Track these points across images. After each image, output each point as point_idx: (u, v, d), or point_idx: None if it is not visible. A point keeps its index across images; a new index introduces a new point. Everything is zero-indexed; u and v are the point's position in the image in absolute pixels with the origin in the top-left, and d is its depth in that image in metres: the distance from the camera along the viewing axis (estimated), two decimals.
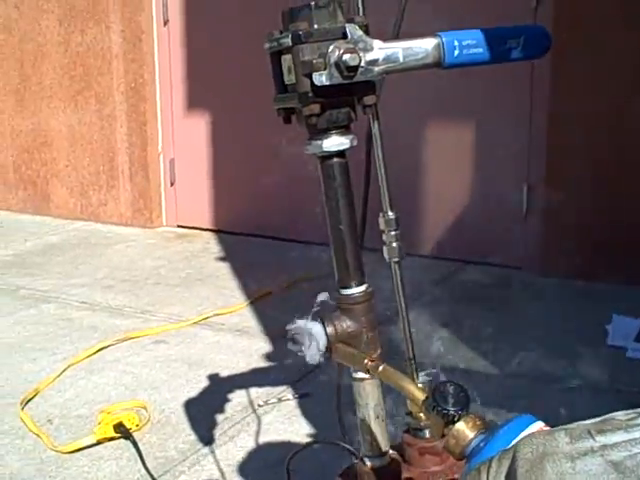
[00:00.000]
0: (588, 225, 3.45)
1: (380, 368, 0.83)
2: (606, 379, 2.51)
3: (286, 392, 2.49)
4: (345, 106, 0.83)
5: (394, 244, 0.92)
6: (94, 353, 2.84)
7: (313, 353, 0.87)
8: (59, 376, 2.65)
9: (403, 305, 0.94)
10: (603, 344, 2.81)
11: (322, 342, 0.87)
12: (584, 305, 3.22)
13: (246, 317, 3.20)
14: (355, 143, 0.86)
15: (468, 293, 3.44)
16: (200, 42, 4.42)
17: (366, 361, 0.84)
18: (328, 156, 0.86)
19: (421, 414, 0.88)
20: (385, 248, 0.92)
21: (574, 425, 0.62)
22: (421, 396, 0.79)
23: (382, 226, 0.92)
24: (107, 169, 4.69)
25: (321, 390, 2.51)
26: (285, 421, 2.33)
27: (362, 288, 0.89)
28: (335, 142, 0.84)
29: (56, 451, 2.17)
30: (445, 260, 3.73)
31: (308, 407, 2.41)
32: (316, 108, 0.80)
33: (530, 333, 2.93)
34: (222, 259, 4.02)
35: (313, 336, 0.86)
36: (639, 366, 2.63)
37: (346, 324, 0.88)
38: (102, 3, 4.51)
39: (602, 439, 0.59)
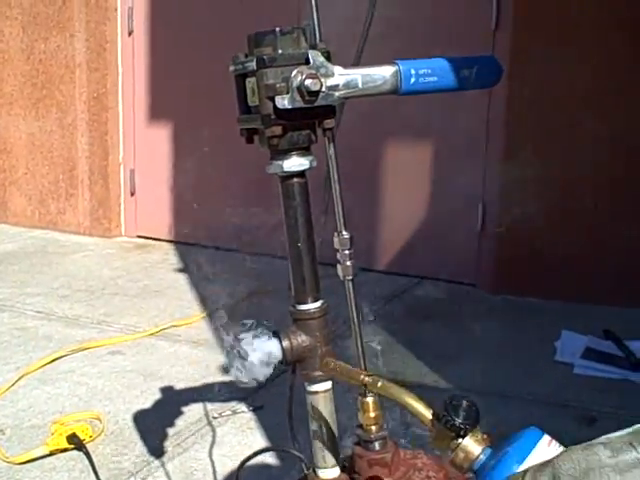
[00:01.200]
0: (541, 243, 3.53)
1: (379, 384, 0.85)
2: (554, 394, 2.57)
3: (240, 404, 2.50)
4: (306, 128, 0.86)
5: (348, 262, 0.94)
6: (48, 363, 2.82)
7: (257, 370, 0.89)
8: (12, 386, 2.63)
9: (356, 322, 0.96)
10: (551, 360, 2.88)
11: (277, 356, 0.89)
12: (534, 322, 3.29)
13: (203, 329, 3.20)
14: (315, 164, 0.89)
15: (422, 309, 3.48)
16: (164, 53, 4.43)
17: (363, 376, 0.87)
18: (288, 176, 0.89)
19: (372, 426, 0.91)
20: (339, 266, 0.94)
21: (608, 438, 0.62)
22: (426, 409, 0.80)
23: (336, 245, 0.95)
24: (67, 178, 4.67)
25: (275, 403, 2.52)
26: (239, 433, 2.34)
27: (318, 304, 0.92)
28: (295, 163, 0.87)
29: (7, 462, 2.15)
30: (400, 276, 3.78)
31: (262, 419, 2.43)
32: (278, 130, 0.83)
33: (481, 349, 2.99)
34: (180, 270, 4.02)
35: (263, 351, 0.88)
36: (585, 382, 2.69)
37: (302, 338, 0.91)
38: (67, 11, 4.50)
39: None
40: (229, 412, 2.45)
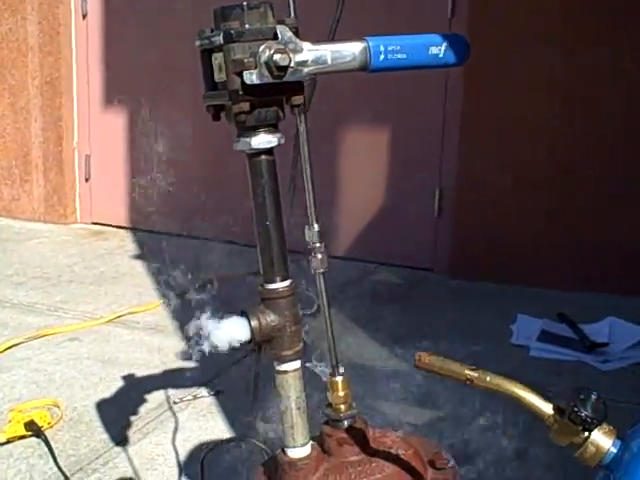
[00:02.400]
0: (497, 228, 3.57)
1: (488, 378, 0.83)
2: (510, 376, 2.60)
3: (201, 390, 2.50)
4: (274, 105, 0.86)
5: (319, 255, 0.95)
6: (4, 350, 2.78)
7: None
8: None
9: (327, 313, 0.97)
10: (508, 343, 2.92)
11: (245, 335, 0.89)
12: (491, 306, 3.33)
13: (161, 316, 3.18)
14: (283, 141, 0.88)
15: (379, 294, 3.50)
16: (119, 37, 4.37)
17: (467, 372, 0.85)
18: (256, 153, 0.88)
19: (341, 405, 0.91)
20: (311, 259, 0.95)
21: None
22: (545, 403, 0.79)
23: (307, 238, 0.95)
24: (20, 163, 4.59)
25: (235, 387, 2.53)
26: (200, 418, 2.33)
27: (286, 283, 0.92)
28: (263, 140, 0.86)
29: None
30: (357, 261, 3.79)
31: (223, 404, 2.42)
32: (245, 106, 0.82)
33: (438, 332, 3.01)
34: (137, 257, 3.99)
35: (231, 332, 0.88)
36: (541, 364, 2.73)
37: (270, 318, 0.90)
38: None
39: None
40: (190, 397, 2.44)
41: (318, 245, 0.94)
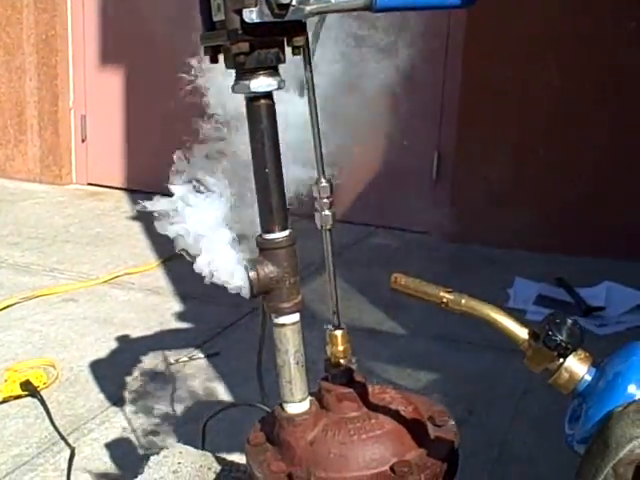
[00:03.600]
0: (496, 192, 3.54)
1: (463, 300, 0.80)
2: (506, 339, 2.59)
3: (197, 351, 2.49)
4: (274, 46, 0.82)
5: (326, 212, 0.92)
6: (0, 310, 2.77)
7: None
8: None
9: (332, 271, 0.95)
10: (504, 307, 2.90)
11: (244, 285, 0.86)
12: (488, 270, 3.31)
13: (157, 277, 3.17)
14: (283, 86, 0.85)
15: (377, 257, 3.49)
16: None
17: (443, 293, 0.82)
18: (255, 97, 0.85)
19: (340, 360, 0.89)
20: (317, 215, 0.92)
21: None
22: (521, 327, 0.76)
23: (315, 193, 0.92)
24: (15, 123, 4.54)
25: (231, 349, 2.52)
26: (196, 379, 2.33)
27: (285, 233, 0.89)
28: (263, 83, 0.83)
29: None
30: (355, 224, 3.76)
31: (218, 365, 2.42)
32: (245, 46, 0.79)
33: None
34: (134, 218, 3.96)
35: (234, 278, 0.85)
36: (536, 327, 2.72)
37: (269, 269, 0.88)
38: None
39: None
40: (186, 358, 2.44)
41: (325, 201, 0.91)
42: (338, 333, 0.91)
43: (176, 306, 2.87)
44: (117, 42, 4.34)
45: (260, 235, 0.89)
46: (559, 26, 3.35)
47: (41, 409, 2.10)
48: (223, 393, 2.25)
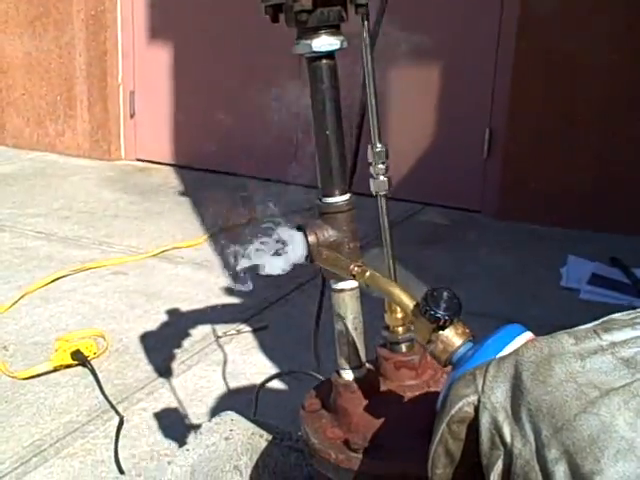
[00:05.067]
0: (548, 169, 3.48)
1: (367, 273, 0.81)
2: (559, 318, 2.55)
3: (245, 324, 2.49)
4: (337, 4, 0.80)
5: (382, 177, 0.89)
6: (50, 282, 2.80)
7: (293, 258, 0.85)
8: (15, 304, 2.61)
9: (388, 240, 0.92)
10: (557, 286, 2.86)
11: (302, 251, 0.85)
12: (540, 249, 3.26)
13: (205, 251, 3.18)
14: (345, 45, 0.83)
15: (425, 234, 3.46)
16: None
17: (352, 266, 0.82)
18: (317, 57, 0.83)
19: (399, 327, 0.88)
20: (372, 181, 0.89)
21: (575, 328, 0.61)
22: (410, 300, 0.77)
23: (370, 158, 0.89)
24: (65, 99, 4.58)
25: (279, 323, 2.52)
26: (244, 352, 2.33)
27: (346, 197, 0.87)
28: (325, 42, 0.81)
29: (12, 377, 2.14)
30: (404, 202, 3.73)
31: (266, 339, 2.42)
32: (308, 3, 0.77)
33: (485, 274, 2.97)
34: (182, 194, 3.98)
35: (293, 243, 0.84)
36: (591, 307, 2.68)
37: (328, 233, 0.86)
38: None
39: (609, 337, 0.59)
40: (233, 332, 2.44)
41: (381, 166, 0.89)
42: None
43: (224, 280, 2.87)
44: (165, 18, 4.34)
45: (319, 199, 0.87)
46: None
47: (91, 378, 2.13)
48: (271, 366, 2.24)
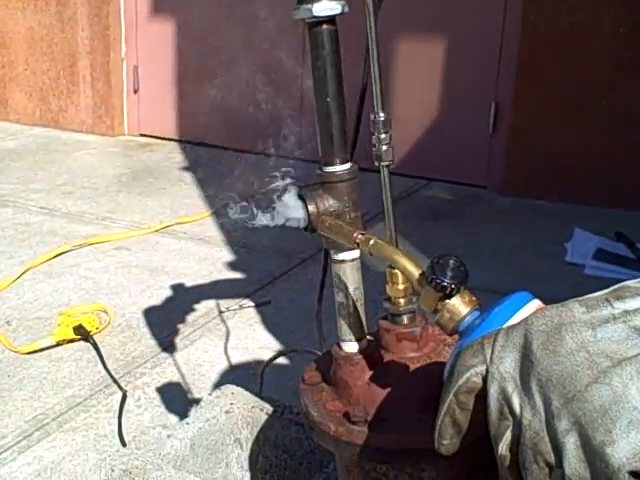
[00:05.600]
0: (554, 145, 3.45)
1: (371, 242, 0.79)
2: (564, 293, 2.53)
3: (248, 299, 2.48)
4: None
5: (384, 147, 0.87)
6: (53, 257, 2.79)
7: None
8: (17, 279, 2.61)
9: (390, 210, 0.90)
10: (562, 261, 2.85)
11: (302, 220, 0.83)
12: (545, 224, 3.24)
13: (208, 226, 3.17)
14: (347, 10, 0.81)
15: (430, 210, 3.44)
16: None
17: (356, 234, 0.81)
18: (317, 23, 0.81)
19: (400, 299, 0.86)
20: (374, 151, 0.87)
21: (586, 296, 0.59)
22: (416, 269, 0.76)
23: (372, 128, 0.87)
24: (67, 74, 4.55)
25: (281, 298, 2.51)
26: (246, 327, 2.33)
27: (347, 165, 0.85)
28: (326, 7, 0.79)
29: (15, 351, 2.14)
30: (408, 177, 3.71)
31: (269, 314, 2.41)
32: None
33: (490, 249, 2.96)
34: (185, 169, 3.96)
35: (292, 207, 0.82)
36: (596, 282, 2.65)
37: (329, 203, 0.84)
38: None
39: (621, 305, 0.57)
40: (236, 307, 2.43)
41: (383, 136, 0.87)
42: (398, 271, 0.87)
43: (227, 255, 2.86)
44: None
45: (320, 168, 0.85)
46: None
47: (93, 353, 2.12)
48: (274, 341, 2.24)
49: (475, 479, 0.84)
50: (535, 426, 0.54)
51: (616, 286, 0.60)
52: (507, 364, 0.57)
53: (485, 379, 0.59)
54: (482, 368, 0.59)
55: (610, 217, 3.22)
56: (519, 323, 0.59)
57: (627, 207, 3.29)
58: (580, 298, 0.59)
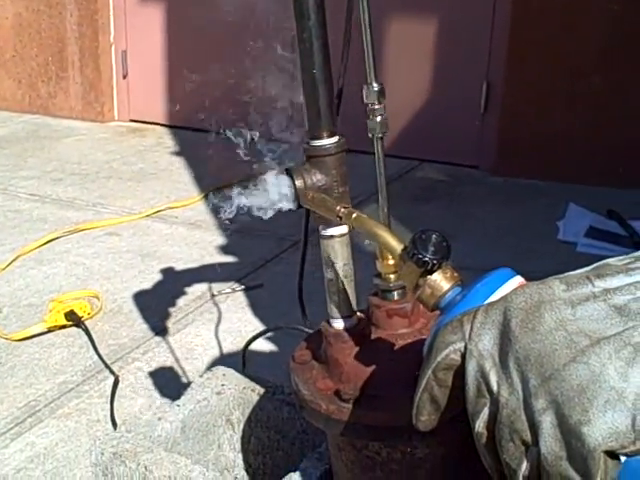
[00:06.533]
0: (546, 124, 3.44)
1: (354, 215, 0.78)
2: (556, 271, 2.53)
3: (240, 283, 2.47)
4: None
5: (378, 118, 0.85)
6: (44, 244, 2.77)
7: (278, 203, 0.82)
8: (8, 266, 2.59)
9: (383, 184, 0.89)
10: (554, 239, 2.84)
11: (290, 196, 0.82)
12: (537, 203, 3.24)
13: (200, 211, 3.15)
14: None
15: (422, 190, 3.43)
16: None
17: (339, 208, 0.79)
18: None
19: (390, 275, 0.85)
20: (368, 122, 0.85)
21: (567, 274, 0.59)
22: (397, 243, 0.74)
23: (365, 99, 0.85)
24: (56, 60, 4.51)
25: (274, 281, 2.50)
26: (239, 310, 2.32)
27: (334, 139, 0.83)
28: None
29: (6, 339, 2.12)
30: (400, 158, 3.69)
31: (261, 297, 2.40)
32: None
33: (483, 229, 2.95)
34: (176, 154, 3.94)
35: (280, 186, 0.81)
36: (588, 260, 2.64)
37: (316, 177, 0.82)
38: None
39: (602, 284, 0.56)
40: (228, 290, 2.42)
41: (377, 107, 0.85)
42: None
43: (219, 239, 2.85)
44: None
45: (307, 142, 0.84)
46: None
47: (85, 339, 2.11)
48: (266, 324, 2.23)
49: (466, 454, 0.84)
50: (512, 404, 0.54)
51: (598, 264, 0.59)
52: (486, 341, 0.57)
53: (464, 356, 0.58)
54: (461, 345, 0.58)
55: (602, 195, 3.22)
56: (499, 300, 0.59)
57: (619, 185, 3.28)
58: (561, 275, 0.58)
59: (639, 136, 3.33)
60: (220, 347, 2.10)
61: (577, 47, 3.32)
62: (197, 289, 2.41)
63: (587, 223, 2.89)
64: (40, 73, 4.58)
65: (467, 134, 3.68)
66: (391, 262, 0.84)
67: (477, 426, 0.57)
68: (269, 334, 2.01)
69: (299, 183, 0.82)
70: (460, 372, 0.58)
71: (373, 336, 0.86)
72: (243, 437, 1.11)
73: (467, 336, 0.58)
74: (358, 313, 0.89)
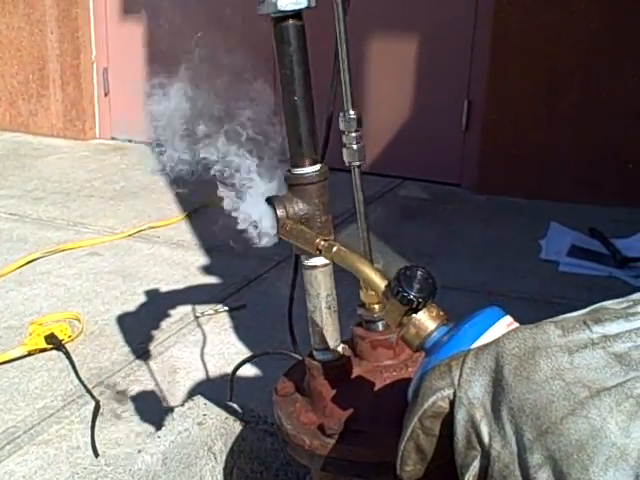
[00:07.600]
0: (527, 142, 3.45)
1: (334, 249, 0.76)
2: (539, 291, 2.54)
3: (222, 304, 2.45)
4: None
5: (355, 146, 0.84)
6: (24, 265, 2.74)
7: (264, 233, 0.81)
8: None
9: (362, 211, 0.88)
10: (537, 258, 2.85)
11: (272, 226, 0.80)
12: (519, 221, 3.25)
13: (182, 230, 3.13)
14: (314, 4, 0.78)
15: (405, 209, 3.43)
16: None
17: (318, 240, 0.78)
18: (283, 17, 0.78)
19: (375, 305, 0.84)
20: (345, 151, 0.83)
21: (563, 317, 0.55)
22: (381, 280, 0.72)
23: (342, 127, 0.84)
24: (37, 78, 4.49)
25: (257, 302, 2.48)
26: (222, 332, 2.30)
27: (316, 167, 0.82)
28: (291, 0, 0.76)
29: None
30: (383, 176, 3.69)
31: (244, 318, 2.38)
32: None
33: (465, 247, 2.95)
34: (158, 172, 3.92)
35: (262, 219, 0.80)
36: (570, 279, 2.66)
37: (298, 207, 0.81)
38: None
39: (600, 329, 0.53)
40: (211, 311, 2.40)
41: (354, 135, 0.84)
42: None
43: (201, 259, 2.83)
44: None
45: (288, 170, 0.82)
46: None
47: (66, 362, 2.09)
48: (250, 346, 2.21)
49: None
50: (505, 458, 0.51)
51: (594, 306, 0.56)
52: (476, 389, 0.54)
53: (452, 404, 0.55)
54: (449, 392, 0.55)
55: (584, 213, 3.23)
56: (490, 344, 0.55)
57: (601, 203, 3.29)
58: (556, 319, 0.55)
59: (620, 154, 3.34)
60: (203, 370, 2.08)
61: (558, 65, 3.34)
62: (179, 311, 2.39)
63: (569, 242, 2.89)
64: (21, 91, 4.56)
65: (449, 152, 3.69)
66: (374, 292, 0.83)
67: (466, 479, 0.54)
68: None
69: (280, 212, 0.80)
70: (448, 421, 0.56)
71: (357, 368, 0.85)
72: (225, 468, 1.09)
73: (456, 382, 0.55)
74: (342, 345, 0.88)
